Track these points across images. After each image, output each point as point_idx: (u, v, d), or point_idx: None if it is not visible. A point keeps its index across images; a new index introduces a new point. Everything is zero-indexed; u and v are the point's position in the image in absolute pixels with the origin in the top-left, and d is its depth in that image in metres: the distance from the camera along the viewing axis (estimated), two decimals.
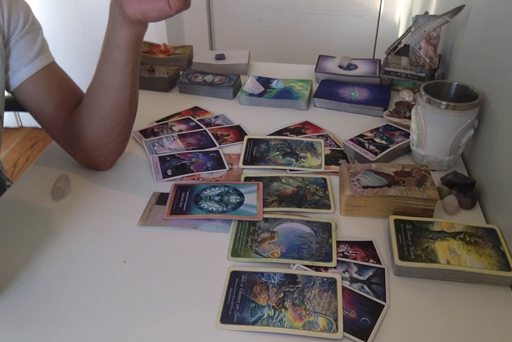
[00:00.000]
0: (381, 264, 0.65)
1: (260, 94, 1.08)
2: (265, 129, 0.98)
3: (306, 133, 0.97)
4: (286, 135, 0.96)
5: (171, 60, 1.24)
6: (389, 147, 0.88)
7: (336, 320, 0.56)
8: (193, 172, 0.84)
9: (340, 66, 1.20)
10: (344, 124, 1.00)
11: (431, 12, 1.34)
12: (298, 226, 0.71)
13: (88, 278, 0.63)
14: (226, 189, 0.79)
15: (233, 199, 0.76)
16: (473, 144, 0.87)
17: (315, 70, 1.19)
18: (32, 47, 0.76)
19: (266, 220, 0.72)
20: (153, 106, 1.08)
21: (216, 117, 1.03)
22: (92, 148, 0.80)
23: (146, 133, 0.97)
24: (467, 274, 0.62)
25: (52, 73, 0.79)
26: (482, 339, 0.56)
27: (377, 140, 0.90)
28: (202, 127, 0.98)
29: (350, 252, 0.67)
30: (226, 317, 0.57)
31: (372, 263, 0.65)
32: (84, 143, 0.79)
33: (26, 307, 0.59)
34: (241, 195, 0.77)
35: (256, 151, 0.90)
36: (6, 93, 0.79)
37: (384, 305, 0.59)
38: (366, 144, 0.88)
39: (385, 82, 1.14)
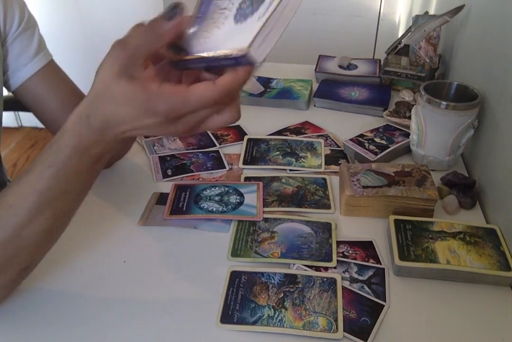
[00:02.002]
0: (381, 264, 0.65)
1: (260, 94, 1.08)
2: (265, 129, 0.98)
3: (306, 133, 0.97)
4: (286, 135, 0.96)
5: None
6: (389, 147, 0.88)
7: (336, 320, 0.56)
8: (193, 171, 0.84)
9: (340, 66, 1.20)
10: (344, 124, 1.00)
11: (431, 12, 1.34)
12: (298, 226, 0.71)
13: (88, 278, 0.63)
14: (226, 189, 0.79)
15: (233, 199, 0.76)
16: (473, 144, 0.87)
17: (315, 70, 1.19)
18: (29, 45, 0.75)
19: (266, 220, 0.72)
20: None
21: None
22: None
23: None
24: (467, 274, 0.62)
25: (52, 71, 0.78)
26: (482, 339, 0.56)
27: (377, 140, 0.90)
28: None
29: (350, 252, 0.67)
30: (226, 317, 0.57)
31: (372, 263, 0.65)
32: None
33: (25, 307, 0.59)
34: (241, 195, 0.77)
35: (256, 151, 0.90)
36: (6, 93, 0.79)
37: (384, 305, 0.59)
38: (366, 144, 0.88)
39: (385, 82, 1.13)
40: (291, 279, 0.62)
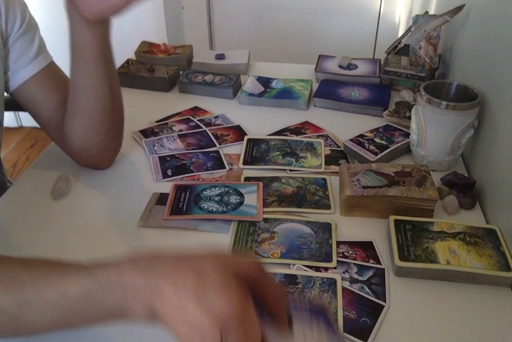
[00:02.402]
0: (381, 264, 0.65)
1: (260, 94, 1.08)
2: (265, 129, 0.98)
3: (306, 133, 0.97)
4: (286, 135, 0.96)
5: (171, 60, 1.23)
6: (389, 147, 0.88)
7: (336, 320, 0.56)
8: (193, 172, 0.84)
9: (340, 66, 1.20)
10: (344, 124, 1.00)
11: (431, 12, 1.34)
12: (298, 226, 0.71)
13: None
14: (226, 189, 0.79)
15: (233, 199, 0.76)
16: (473, 144, 0.87)
17: (315, 70, 1.19)
18: (30, 47, 0.76)
19: (266, 220, 0.72)
20: (153, 106, 1.08)
21: (216, 117, 1.03)
22: (86, 149, 0.79)
23: (146, 133, 0.97)
24: (467, 274, 0.62)
25: (51, 74, 0.78)
26: (482, 339, 0.56)
27: (377, 140, 0.90)
28: (202, 127, 0.98)
29: (350, 252, 0.67)
30: None
31: (372, 263, 0.65)
32: (77, 144, 0.79)
33: None
34: (241, 195, 0.77)
35: (256, 152, 0.90)
36: (5, 94, 0.79)
37: (384, 306, 0.59)
38: (366, 145, 0.88)
39: (385, 82, 1.13)
40: (291, 279, 0.62)
